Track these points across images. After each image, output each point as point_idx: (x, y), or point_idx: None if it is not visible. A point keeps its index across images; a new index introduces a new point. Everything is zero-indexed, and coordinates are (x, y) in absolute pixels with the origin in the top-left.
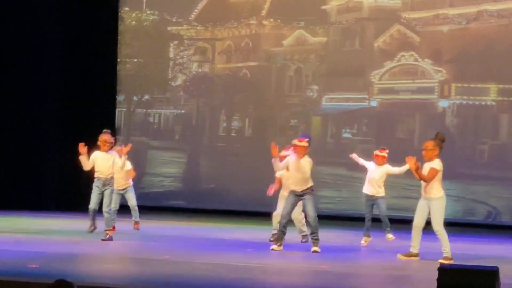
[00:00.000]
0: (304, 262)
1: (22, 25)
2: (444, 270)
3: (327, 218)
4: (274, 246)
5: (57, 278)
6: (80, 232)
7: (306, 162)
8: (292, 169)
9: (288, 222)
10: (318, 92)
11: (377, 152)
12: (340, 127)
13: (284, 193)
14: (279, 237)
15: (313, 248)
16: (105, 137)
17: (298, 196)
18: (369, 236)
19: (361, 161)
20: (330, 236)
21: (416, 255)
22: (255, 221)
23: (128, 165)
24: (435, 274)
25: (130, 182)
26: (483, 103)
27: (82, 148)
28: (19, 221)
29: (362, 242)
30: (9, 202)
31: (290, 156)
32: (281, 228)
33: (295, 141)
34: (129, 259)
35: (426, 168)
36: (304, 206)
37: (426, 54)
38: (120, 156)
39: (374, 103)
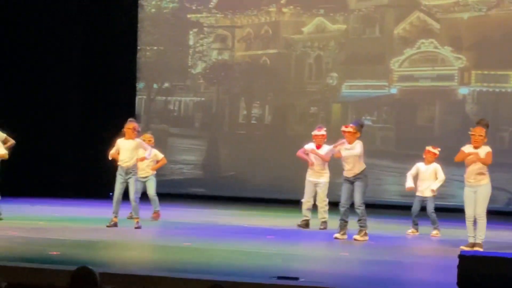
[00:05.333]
0: (325, 249)
1: (42, 14)
2: (464, 258)
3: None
4: (337, 235)
5: (78, 266)
6: (101, 219)
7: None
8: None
9: (347, 209)
10: (338, 79)
11: (428, 148)
12: (360, 114)
13: (309, 179)
14: (341, 225)
15: (355, 236)
16: (133, 124)
17: (349, 182)
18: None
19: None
20: (350, 223)
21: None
22: (274, 208)
23: (159, 155)
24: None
25: (153, 171)
26: (503, 90)
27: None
28: (40, 208)
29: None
30: (30, 189)
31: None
32: (341, 217)
33: (343, 128)
34: (150, 246)
35: (480, 152)
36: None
37: (446, 41)
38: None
39: (394, 90)
